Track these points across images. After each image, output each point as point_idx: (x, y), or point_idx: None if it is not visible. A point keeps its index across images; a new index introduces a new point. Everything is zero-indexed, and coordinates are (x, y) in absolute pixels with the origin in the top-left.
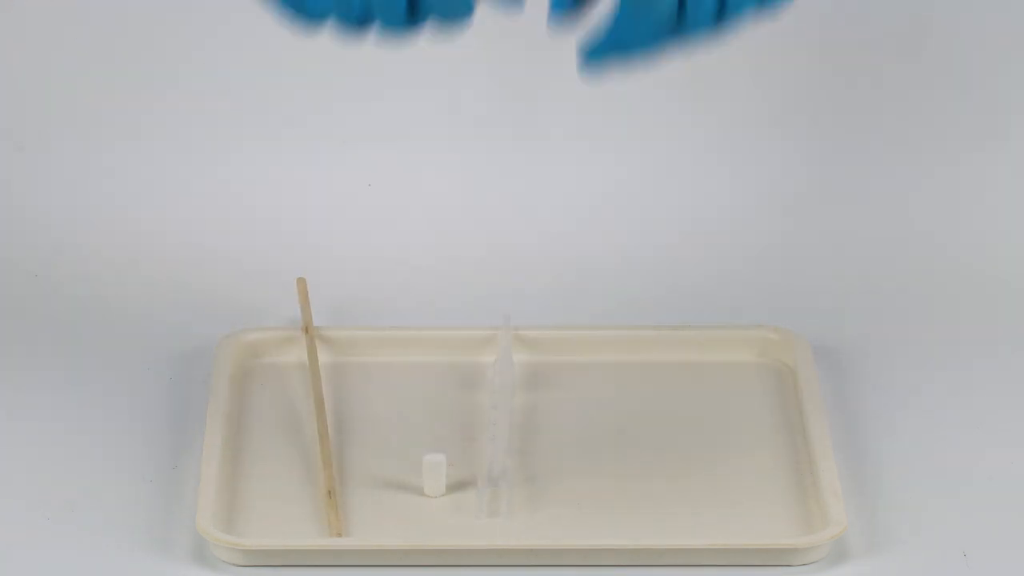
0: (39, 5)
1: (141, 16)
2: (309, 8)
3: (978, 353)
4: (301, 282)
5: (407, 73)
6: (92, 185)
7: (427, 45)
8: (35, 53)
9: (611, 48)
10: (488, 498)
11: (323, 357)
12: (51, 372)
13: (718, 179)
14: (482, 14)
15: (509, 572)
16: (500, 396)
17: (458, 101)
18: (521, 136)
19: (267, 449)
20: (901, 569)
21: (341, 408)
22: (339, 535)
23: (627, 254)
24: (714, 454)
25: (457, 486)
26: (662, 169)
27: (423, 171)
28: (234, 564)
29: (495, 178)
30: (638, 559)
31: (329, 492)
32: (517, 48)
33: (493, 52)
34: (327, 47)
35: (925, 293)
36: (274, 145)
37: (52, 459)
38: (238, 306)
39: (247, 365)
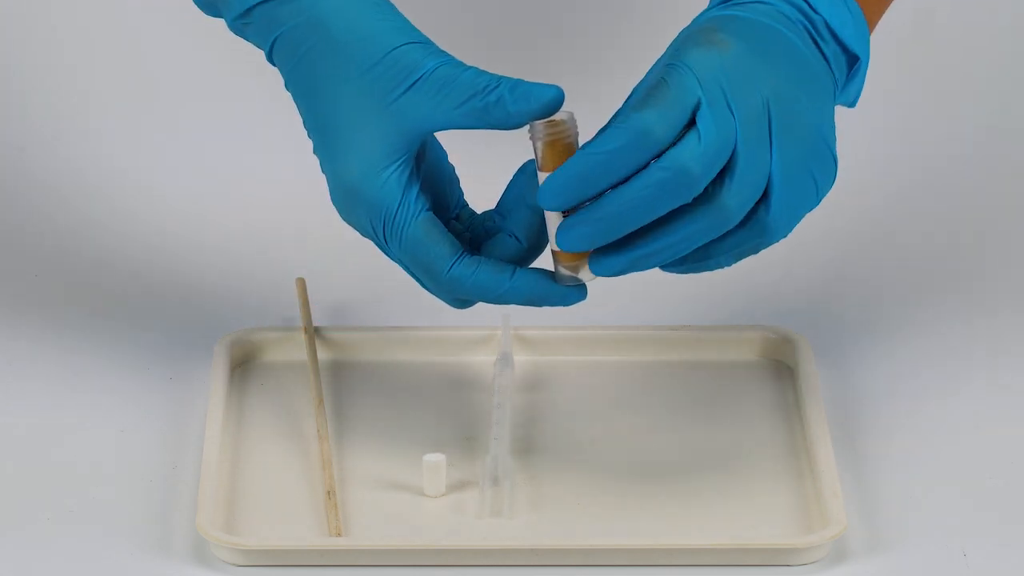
0: (40, 5)
1: (143, 16)
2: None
3: (978, 353)
4: (301, 282)
5: None
6: (92, 185)
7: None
8: (36, 53)
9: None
10: (490, 498)
11: (323, 357)
12: (51, 372)
13: None
14: (482, 16)
15: (510, 572)
16: (501, 396)
17: None
18: (521, 136)
19: (267, 449)
20: (901, 569)
21: (341, 408)
22: (339, 535)
23: None
24: (714, 454)
25: (457, 486)
26: None
27: None
28: (234, 564)
29: (495, 178)
30: (638, 559)
31: (329, 492)
32: (517, 48)
33: (493, 52)
34: None
35: (925, 293)
36: (275, 145)
37: (52, 459)
38: (238, 306)
39: (247, 365)
